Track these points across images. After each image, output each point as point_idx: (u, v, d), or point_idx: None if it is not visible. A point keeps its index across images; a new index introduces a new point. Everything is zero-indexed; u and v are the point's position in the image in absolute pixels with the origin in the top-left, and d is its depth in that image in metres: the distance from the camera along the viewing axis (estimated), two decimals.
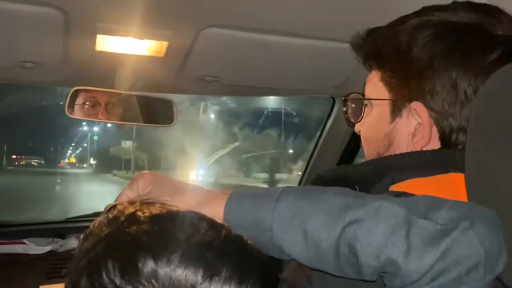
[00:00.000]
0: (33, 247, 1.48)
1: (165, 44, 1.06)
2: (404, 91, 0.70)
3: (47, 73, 1.16)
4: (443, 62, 0.67)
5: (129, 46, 1.07)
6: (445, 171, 0.65)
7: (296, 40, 1.09)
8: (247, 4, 0.94)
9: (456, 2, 0.70)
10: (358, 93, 0.79)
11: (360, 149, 0.85)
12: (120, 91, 1.22)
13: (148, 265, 0.42)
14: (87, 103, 1.24)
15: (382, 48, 0.73)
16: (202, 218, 0.48)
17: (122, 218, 0.47)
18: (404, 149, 0.70)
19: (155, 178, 0.63)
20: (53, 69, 1.14)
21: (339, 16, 0.98)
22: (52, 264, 1.48)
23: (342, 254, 0.51)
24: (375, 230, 0.49)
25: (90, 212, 1.85)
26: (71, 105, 1.17)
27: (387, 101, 0.72)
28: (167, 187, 0.62)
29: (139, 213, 0.47)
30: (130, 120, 1.27)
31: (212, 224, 0.48)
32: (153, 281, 0.42)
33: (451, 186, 0.63)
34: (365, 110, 0.77)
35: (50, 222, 1.88)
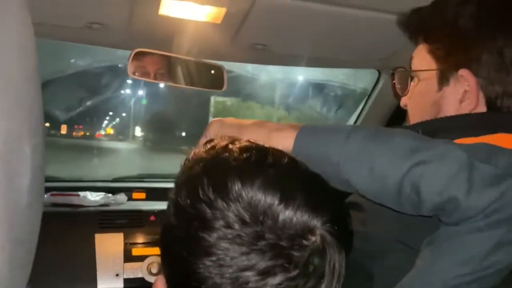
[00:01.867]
0: (88, 199, 1.59)
1: (223, 10, 1.11)
2: (451, 60, 0.74)
3: (111, 35, 1.24)
4: (489, 32, 0.71)
5: (190, 11, 1.12)
6: (492, 131, 0.68)
7: (347, 10, 1.12)
8: None
9: None
10: (404, 68, 0.84)
11: (405, 123, 0.91)
12: (176, 55, 1.29)
13: (236, 186, 0.48)
14: (144, 65, 1.32)
15: (429, 22, 0.77)
16: (284, 152, 0.54)
17: (218, 147, 0.54)
18: (452, 114, 0.74)
19: (222, 122, 0.70)
20: (117, 31, 1.21)
21: None
22: (104, 216, 1.59)
23: (404, 191, 0.56)
24: (440, 171, 0.54)
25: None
26: (133, 66, 1.25)
27: (435, 71, 0.76)
28: (236, 127, 0.67)
29: (231, 145, 0.54)
30: (184, 84, 1.35)
31: (293, 158, 0.54)
32: (239, 199, 0.48)
33: (498, 144, 0.66)
34: (412, 83, 0.81)
35: (99, 180, 2.01)
